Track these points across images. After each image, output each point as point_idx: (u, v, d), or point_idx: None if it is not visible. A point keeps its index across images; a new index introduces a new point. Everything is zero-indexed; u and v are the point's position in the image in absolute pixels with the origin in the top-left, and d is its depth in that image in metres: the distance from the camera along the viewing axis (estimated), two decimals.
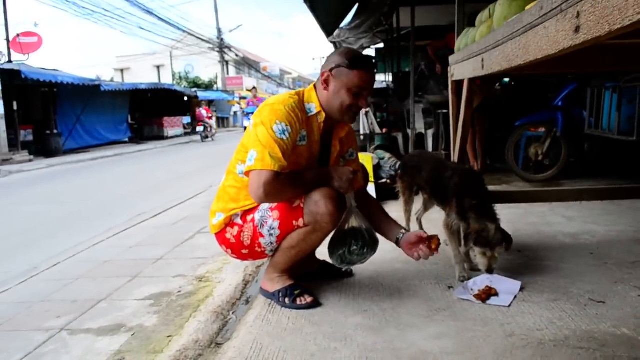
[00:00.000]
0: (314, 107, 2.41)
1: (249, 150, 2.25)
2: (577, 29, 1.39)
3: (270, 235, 2.37)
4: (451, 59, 3.64)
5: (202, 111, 23.00)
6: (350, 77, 2.31)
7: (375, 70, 2.64)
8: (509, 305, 2.30)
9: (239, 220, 2.44)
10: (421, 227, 3.41)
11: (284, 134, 2.21)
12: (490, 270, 2.48)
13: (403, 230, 2.54)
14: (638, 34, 1.20)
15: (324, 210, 2.26)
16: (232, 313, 2.62)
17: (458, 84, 3.60)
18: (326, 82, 2.35)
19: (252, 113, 11.80)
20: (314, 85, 2.46)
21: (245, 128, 13.32)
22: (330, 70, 2.33)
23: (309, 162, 2.44)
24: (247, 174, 2.24)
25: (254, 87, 14.79)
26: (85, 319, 2.76)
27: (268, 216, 2.36)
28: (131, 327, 2.61)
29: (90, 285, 3.34)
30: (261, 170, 2.15)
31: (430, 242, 2.41)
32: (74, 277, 3.53)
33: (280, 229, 2.35)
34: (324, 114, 2.41)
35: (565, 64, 2.78)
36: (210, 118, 22.90)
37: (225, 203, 2.47)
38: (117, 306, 2.93)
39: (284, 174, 2.19)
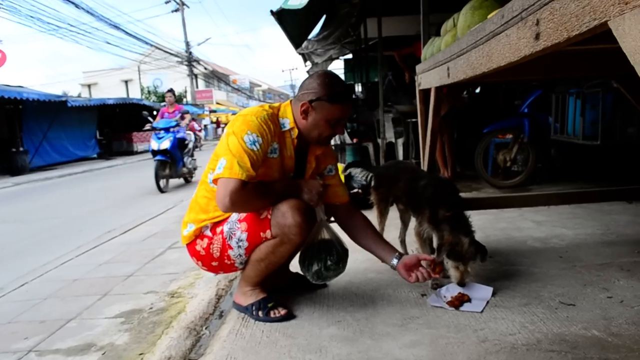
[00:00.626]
0: (287, 122, 2.40)
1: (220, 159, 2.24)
2: (537, 36, 1.41)
3: (239, 247, 2.35)
4: (418, 68, 3.67)
5: (195, 125, 24.72)
6: (330, 111, 2.32)
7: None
8: (482, 311, 2.32)
9: (208, 232, 2.42)
10: (406, 250, 3.23)
11: (255, 145, 2.20)
12: (462, 284, 2.49)
13: (398, 254, 2.50)
14: (596, 40, 1.22)
15: (291, 222, 2.25)
16: (205, 328, 2.59)
17: (425, 92, 3.63)
18: (305, 113, 2.34)
19: (166, 129, 9.09)
20: (291, 101, 2.45)
21: (152, 152, 9.25)
22: (310, 102, 2.31)
23: (281, 176, 2.42)
24: (215, 181, 2.23)
25: (169, 90, 11.02)
26: (54, 339, 2.69)
27: (236, 228, 2.34)
28: (102, 346, 2.56)
29: (59, 305, 3.27)
30: (228, 178, 2.14)
31: (436, 266, 2.43)
32: (42, 296, 3.45)
33: (248, 240, 2.33)
34: (297, 130, 2.40)
35: (530, 70, 2.83)
36: (200, 130, 24.75)
37: (196, 214, 2.45)
38: (87, 325, 2.86)
39: (252, 184, 2.18)
